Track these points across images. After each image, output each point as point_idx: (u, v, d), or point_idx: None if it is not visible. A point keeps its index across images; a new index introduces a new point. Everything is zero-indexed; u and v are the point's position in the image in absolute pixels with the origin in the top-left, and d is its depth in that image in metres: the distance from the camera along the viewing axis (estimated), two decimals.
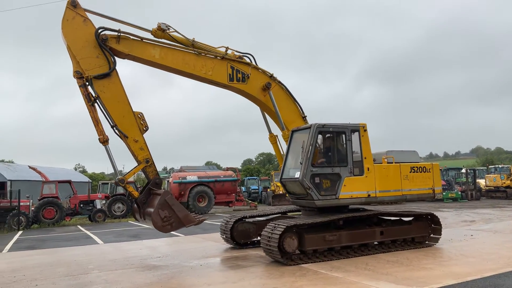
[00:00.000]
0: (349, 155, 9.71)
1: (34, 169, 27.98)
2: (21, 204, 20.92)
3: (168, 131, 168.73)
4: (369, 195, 9.81)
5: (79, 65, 8.69)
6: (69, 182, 24.52)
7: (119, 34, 9.14)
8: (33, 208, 22.00)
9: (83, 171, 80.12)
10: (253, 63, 10.88)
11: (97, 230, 18.10)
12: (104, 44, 8.92)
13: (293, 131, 10.44)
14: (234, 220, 10.97)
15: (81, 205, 23.72)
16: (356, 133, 9.95)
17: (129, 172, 9.18)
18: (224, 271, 8.53)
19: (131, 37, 9.38)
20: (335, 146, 9.93)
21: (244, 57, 10.85)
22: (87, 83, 8.77)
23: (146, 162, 8.99)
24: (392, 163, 10.45)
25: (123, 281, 7.87)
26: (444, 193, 28.94)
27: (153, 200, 8.89)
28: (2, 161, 56.55)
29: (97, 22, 9.07)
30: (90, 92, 8.80)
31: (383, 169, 10.16)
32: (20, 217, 20.42)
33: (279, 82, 11.06)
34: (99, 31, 8.90)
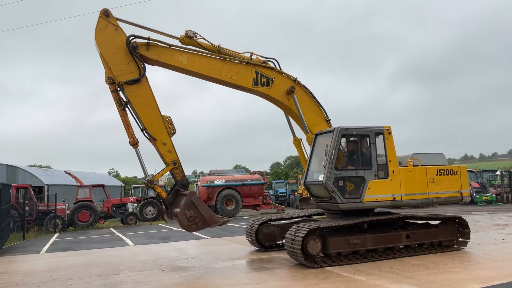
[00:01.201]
0: (373, 158, 9.69)
1: (69, 174, 29.11)
2: (57, 207, 21.87)
3: (200, 135, 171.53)
4: (394, 198, 9.74)
5: (111, 71, 9.13)
6: (102, 186, 25.39)
7: (148, 41, 9.54)
8: (68, 212, 22.92)
9: (116, 176, 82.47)
10: (277, 67, 11.06)
11: (129, 233, 18.69)
12: (134, 51, 9.33)
13: (316, 135, 10.52)
14: (259, 223, 11.13)
15: (114, 209, 24.50)
16: (381, 136, 9.92)
17: (157, 173, 9.53)
18: (248, 272, 8.70)
19: (160, 44, 9.76)
20: (359, 149, 9.93)
21: (268, 62, 11.05)
22: (118, 89, 9.19)
23: (173, 164, 9.32)
24: (418, 166, 10.34)
25: (151, 281, 8.18)
26: (477, 196, 28.05)
27: (180, 201, 9.19)
28: (40, 166, 59.07)
29: (128, 30, 9.52)
30: (121, 97, 9.22)
31: (409, 172, 10.07)
32: (57, 220, 21.34)
33: (303, 86, 11.18)
34: (130, 38, 9.32)
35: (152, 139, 9.22)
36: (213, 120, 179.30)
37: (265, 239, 11.21)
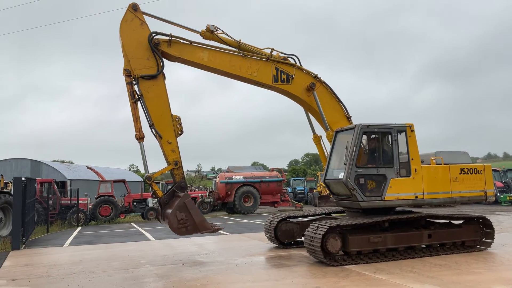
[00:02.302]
0: (395, 155, 9.55)
1: (91, 169, 29.72)
2: (80, 202, 22.37)
3: (221, 132, 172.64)
4: (416, 197, 9.59)
5: (130, 64, 9.24)
6: (123, 181, 25.81)
7: (170, 38, 9.62)
8: (90, 206, 23.42)
9: (136, 171, 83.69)
10: (298, 64, 11.00)
11: (149, 227, 18.96)
12: (156, 48, 9.42)
13: (336, 132, 10.43)
14: (278, 220, 11.13)
15: (135, 203, 24.90)
16: (403, 134, 9.78)
17: (157, 171, 9.50)
18: (267, 269, 8.72)
19: (181, 41, 9.84)
20: (380, 146, 9.81)
21: (288, 59, 11.00)
22: (133, 82, 9.28)
23: (175, 164, 9.28)
24: (441, 164, 10.15)
25: (172, 275, 8.28)
26: (502, 196, 27.36)
27: (174, 202, 9.11)
28: (63, 161, 60.45)
29: (154, 24, 9.64)
30: (135, 90, 9.29)
31: (432, 170, 9.89)
32: (79, 214, 21.82)
33: (323, 82, 11.10)
34: (152, 35, 9.41)
35: (158, 136, 9.24)
36: (235, 117, 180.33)
37: (284, 236, 11.20)
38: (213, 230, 9.35)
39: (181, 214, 8.81)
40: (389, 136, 9.66)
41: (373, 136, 9.81)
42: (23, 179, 13.65)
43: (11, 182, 20.09)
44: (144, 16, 9.55)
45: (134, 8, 9.40)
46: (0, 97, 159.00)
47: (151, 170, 9.50)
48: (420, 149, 9.86)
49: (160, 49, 9.55)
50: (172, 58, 9.91)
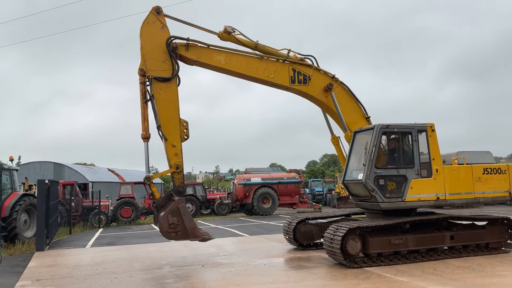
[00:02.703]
0: (416, 156, 9.41)
1: (112, 171, 30.18)
2: (101, 203, 22.76)
3: (240, 134, 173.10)
4: (438, 198, 9.43)
5: (145, 64, 9.36)
6: (143, 183, 26.10)
7: (187, 42, 9.72)
8: (112, 208, 23.80)
9: (155, 173, 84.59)
10: (315, 65, 10.96)
11: None
12: (174, 51, 9.53)
13: (355, 132, 10.34)
14: (297, 221, 11.09)
15: (155, 205, 25.16)
16: (423, 133, 9.63)
17: (157, 173, 9.52)
18: (287, 270, 8.70)
19: (199, 44, 9.92)
20: (400, 147, 9.68)
21: (305, 59, 10.97)
22: (147, 82, 9.37)
23: (176, 168, 9.26)
24: (463, 164, 9.95)
25: (192, 276, 8.35)
26: None
27: (169, 206, 9.04)
28: (85, 164, 61.64)
29: (175, 25, 9.73)
30: (147, 90, 9.37)
31: (453, 170, 9.71)
32: (101, 216, 22.21)
33: (341, 82, 11.02)
34: (170, 39, 9.51)
35: (163, 138, 9.27)
36: (253, 119, 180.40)
37: (303, 238, 11.15)
38: (203, 239, 9.09)
39: (172, 219, 8.69)
40: (409, 136, 9.52)
41: (392, 136, 9.69)
42: (47, 181, 13.98)
43: (35, 185, 20.62)
44: (166, 18, 9.67)
45: (157, 11, 9.55)
46: (29, 101, 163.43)
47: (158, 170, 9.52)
48: (441, 149, 9.69)
49: (178, 53, 9.65)
50: (190, 62, 10.00)
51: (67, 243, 15.13)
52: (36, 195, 14.74)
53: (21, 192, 15.51)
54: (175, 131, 9.33)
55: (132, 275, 8.69)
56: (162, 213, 8.91)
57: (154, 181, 9.48)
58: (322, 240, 9.91)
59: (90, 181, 36.49)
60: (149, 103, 9.32)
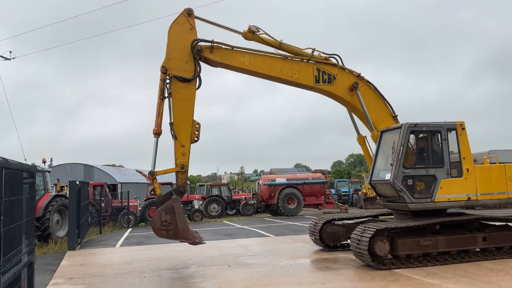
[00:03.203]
0: (446, 155, 9.18)
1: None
2: (130, 204, 23.23)
3: (265, 135, 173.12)
4: (469, 198, 9.16)
5: (169, 62, 9.49)
6: (170, 184, 26.52)
7: (212, 44, 9.81)
8: (140, 208, 24.26)
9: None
10: (340, 63, 10.85)
11: (195, 229, 19.25)
12: (199, 54, 9.63)
13: (382, 132, 10.18)
14: (323, 222, 11.00)
15: (181, 205, 25.49)
16: (453, 132, 9.39)
17: (162, 170, 9.43)
18: (313, 272, 8.64)
19: (223, 46, 9.99)
20: (429, 146, 9.47)
21: (330, 58, 10.87)
22: (167, 79, 9.49)
23: (181, 168, 9.28)
24: (495, 163, 9.62)
25: (218, 276, 8.41)
26: None
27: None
28: (114, 165, 63.16)
29: (202, 26, 9.84)
30: (166, 88, 9.48)
31: (485, 170, 9.41)
32: (130, 216, 22.66)
33: (367, 81, 10.87)
34: (194, 42, 9.62)
35: (174, 137, 9.34)
36: (280, 120, 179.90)
37: (329, 239, 11.04)
38: (193, 242, 8.99)
39: (166, 216, 8.67)
40: (439, 135, 9.31)
41: (421, 135, 9.48)
42: (77, 183, 14.39)
43: (67, 186, 21.25)
44: (196, 20, 9.78)
45: (188, 13, 9.71)
46: (62, 105, 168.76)
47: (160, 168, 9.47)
48: (472, 147, 9.43)
49: (203, 55, 9.75)
50: (214, 64, 10.09)
51: (98, 243, 15.52)
52: (67, 196, 15.20)
53: (54, 193, 16.02)
54: (186, 131, 9.40)
55: (160, 274, 8.83)
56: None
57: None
58: (349, 241, 9.81)
59: (119, 182, 37.31)
60: (166, 101, 9.43)
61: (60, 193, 17.16)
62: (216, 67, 10.26)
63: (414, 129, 9.24)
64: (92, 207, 21.52)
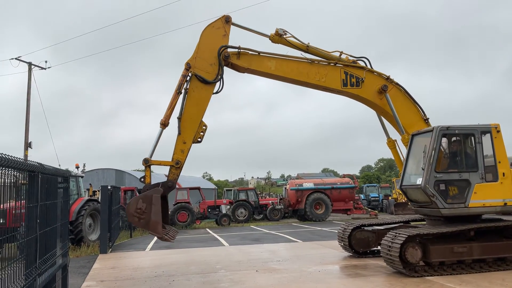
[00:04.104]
0: (480, 159, 8.87)
1: None
2: None
3: (294, 139, 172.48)
4: (505, 204, 8.81)
5: (194, 61, 9.57)
6: (198, 188, 26.82)
7: (239, 50, 9.88)
8: (169, 212, 24.60)
9: (210, 179, 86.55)
10: (368, 66, 10.69)
11: (223, 233, 19.47)
12: (226, 60, 9.71)
13: (413, 135, 9.94)
14: (352, 227, 10.82)
15: (209, 210, 25.74)
16: (488, 135, 9.07)
17: (157, 160, 9.39)
18: (342, 278, 8.50)
19: (250, 52, 10.04)
20: (462, 150, 9.18)
21: (358, 62, 10.73)
22: (188, 77, 9.55)
23: (175, 164, 9.25)
24: None
25: (246, 281, 8.41)
26: None
27: None
28: (143, 170, 64.27)
29: (232, 31, 9.93)
30: (184, 84, 9.52)
31: None
32: None
33: (397, 83, 10.64)
34: (221, 49, 9.65)
35: (178, 131, 9.35)
36: (310, 124, 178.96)
37: (359, 245, 10.84)
38: (162, 237, 8.74)
39: (142, 204, 8.53)
40: (472, 138, 9.01)
41: (453, 138, 9.21)
42: (109, 187, 14.75)
43: (99, 191, 21.82)
44: (232, 26, 9.88)
45: (226, 20, 9.82)
46: (98, 112, 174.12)
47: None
48: (508, 151, 9.06)
49: (230, 61, 9.81)
50: (242, 70, 10.14)
51: (128, 246, 15.84)
52: (99, 200, 15.62)
53: (86, 197, 16.49)
54: (191, 130, 9.41)
55: (189, 278, 8.91)
56: None
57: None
58: (379, 247, 9.60)
59: None
60: (181, 96, 9.48)
61: (92, 198, 17.63)
62: (243, 72, 10.31)
63: (446, 132, 8.99)
64: (123, 211, 21.98)
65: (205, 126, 9.59)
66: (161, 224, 8.64)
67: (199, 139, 9.56)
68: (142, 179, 9.36)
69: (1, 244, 3.71)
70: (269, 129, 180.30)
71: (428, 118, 10.58)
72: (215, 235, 18.96)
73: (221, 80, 9.71)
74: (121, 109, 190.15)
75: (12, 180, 3.89)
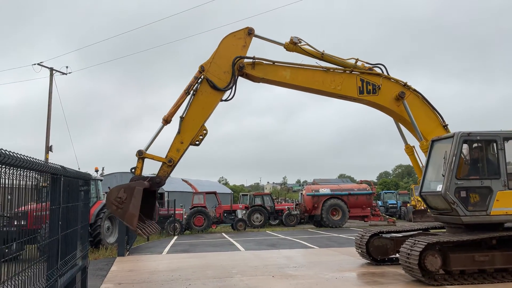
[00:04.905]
0: (502, 166, 8.67)
1: (186, 181, 31.42)
2: (176, 212, 23.78)
3: (311, 145, 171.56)
4: None
5: (209, 65, 9.61)
6: (214, 193, 26.91)
7: (253, 60, 9.85)
8: (185, 216, 24.76)
9: (226, 184, 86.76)
10: (385, 73, 10.56)
11: (238, 238, 19.46)
12: (241, 70, 9.70)
13: (433, 141, 9.78)
14: (370, 234, 10.68)
15: (225, 214, 25.78)
16: (510, 142, 8.85)
17: (150, 155, 9.34)
18: (360, 286, 8.39)
19: (264, 62, 9.99)
20: (484, 156, 8.98)
21: (374, 69, 10.60)
22: (200, 79, 9.59)
23: (168, 162, 9.23)
24: None
25: (262, 286, 8.38)
26: None
27: None
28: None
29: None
30: (194, 85, 9.56)
31: None
32: (175, 224, 23.18)
33: (414, 90, 10.49)
34: (235, 60, 9.64)
35: (178, 130, 9.36)
36: (328, 130, 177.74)
37: (377, 252, 10.69)
38: (135, 231, 8.59)
39: (123, 194, 8.41)
40: (494, 144, 8.81)
41: (475, 144, 9.02)
42: None
43: None
44: (254, 37, 9.91)
45: (249, 32, 9.85)
46: (121, 117, 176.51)
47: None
48: None
49: (245, 72, 9.79)
50: (256, 79, 10.09)
51: (145, 249, 15.97)
52: None
53: (105, 200, 16.71)
54: (191, 131, 9.42)
55: (205, 283, 8.93)
56: None
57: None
58: (397, 255, 9.46)
59: (166, 191, 38.26)
60: (189, 97, 9.51)
61: None
62: (258, 82, 10.26)
63: (468, 138, 8.81)
64: None
65: (206, 130, 9.59)
66: (138, 218, 8.49)
67: (197, 142, 9.56)
68: (133, 170, 9.30)
69: (22, 246, 3.79)
70: (287, 135, 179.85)
71: (447, 125, 10.40)
72: (231, 239, 18.97)
73: (233, 89, 9.70)
74: (143, 114, 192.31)
75: (34, 183, 3.98)
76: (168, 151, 9.36)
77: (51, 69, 27.80)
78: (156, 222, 23.45)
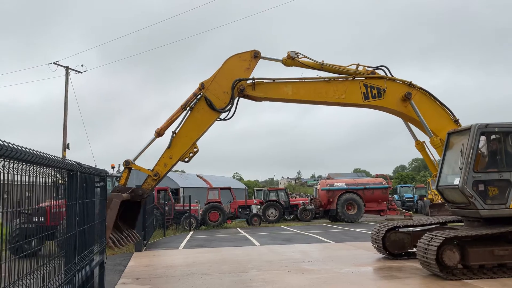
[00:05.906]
0: None
1: (201, 177, 31.67)
2: (191, 208, 23.97)
3: (327, 140, 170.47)
4: None
5: (210, 83, 9.55)
6: (229, 188, 27.02)
7: (253, 81, 9.72)
8: (201, 212, 24.95)
9: (240, 179, 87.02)
10: (388, 75, 10.31)
11: (254, 233, 19.52)
12: (242, 92, 9.58)
13: (449, 134, 9.61)
14: (386, 229, 10.59)
15: (240, 210, 25.87)
16: None
17: (137, 166, 9.42)
18: (377, 280, 8.34)
19: (264, 81, 9.82)
20: (502, 148, 8.79)
21: (376, 71, 10.33)
22: (198, 95, 9.55)
23: (154, 175, 9.24)
24: None
25: (278, 281, 8.39)
26: None
27: None
28: (176, 170, 65.55)
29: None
30: (192, 101, 9.52)
31: None
32: (191, 219, 23.37)
33: (420, 88, 10.17)
34: (235, 83, 9.53)
35: (168, 144, 9.33)
36: (344, 124, 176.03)
37: (393, 247, 10.59)
38: (107, 242, 8.42)
39: None
40: None
41: (493, 137, 8.84)
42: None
43: None
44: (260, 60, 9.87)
45: (255, 55, 9.78)
46: (138, 114, 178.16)
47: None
48: None
49: (246, 93, 9.67)
50: (258, 99, 9.96)
51: (162, 245, 16.15)
52: None
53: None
54: (182, 147, 9.38)
55: (221, 277, 8.99)
56: None
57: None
58: (414, 249, 9.36)
59: (181, 187, 38.59)
60: (184, 113, 9.48)
61: None
62: (260, 101, 10.11)
63: (485, 130, 8.63)
64: (157, 210, 22.45)
65: (197, 149, 9.52)
66: (111, 229, 8.56)
67: (187, 159, 9.51)
68: (118, 179, 9.31)
69: (41, 241, 3.87)
70: (303, 130, 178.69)
71: (458, 119, 10.10)
72: (246, 234, 19.04)
73: (232, 108, 9.61)
74: (161, 111, 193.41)
75: (52, 180, 4.05)
76: (156, 165, 9.38)
77: (67, 68, 28.20)
78: (172, 218, 23.83)
